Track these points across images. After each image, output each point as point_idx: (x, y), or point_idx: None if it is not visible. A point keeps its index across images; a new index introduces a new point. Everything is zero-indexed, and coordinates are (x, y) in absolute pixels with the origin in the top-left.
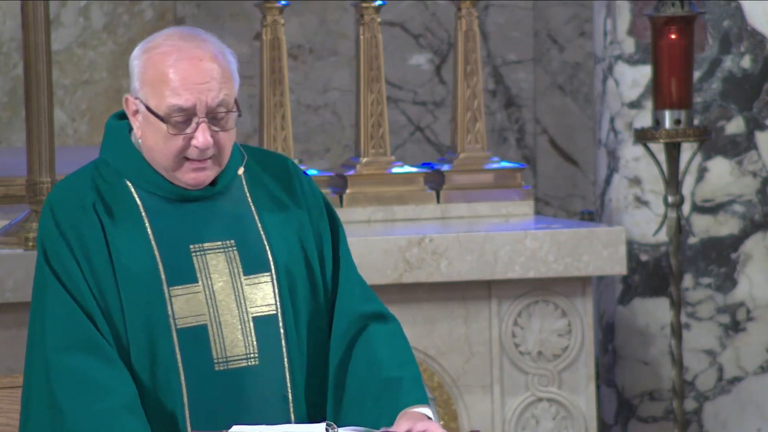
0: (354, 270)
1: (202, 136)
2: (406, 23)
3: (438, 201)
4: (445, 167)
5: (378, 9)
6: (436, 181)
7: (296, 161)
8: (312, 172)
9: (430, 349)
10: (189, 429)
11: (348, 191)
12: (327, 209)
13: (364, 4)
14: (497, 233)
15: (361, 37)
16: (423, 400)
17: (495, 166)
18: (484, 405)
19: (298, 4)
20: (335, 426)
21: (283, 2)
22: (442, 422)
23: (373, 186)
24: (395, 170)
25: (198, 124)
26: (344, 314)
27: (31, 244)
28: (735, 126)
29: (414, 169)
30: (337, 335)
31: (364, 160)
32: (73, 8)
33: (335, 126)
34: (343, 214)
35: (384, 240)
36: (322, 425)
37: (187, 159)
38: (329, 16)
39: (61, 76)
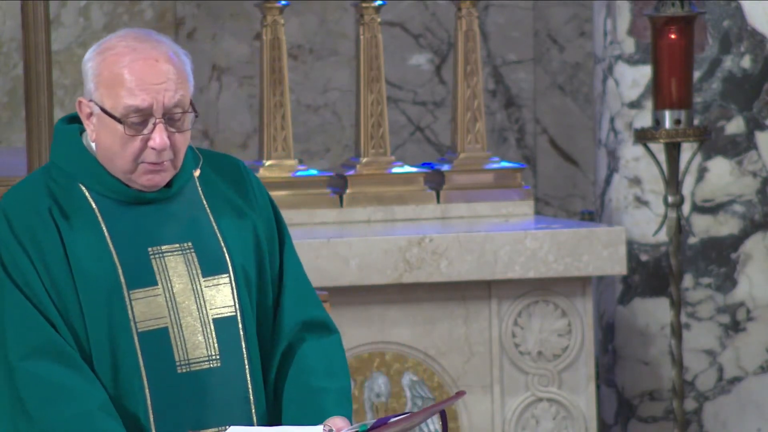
0: (300, 274)
1: (159, 137)
2: (406, 23)
3: (438, 201)
4: (445, 167)
5: (378, 9)
6: (436, 181)
7: (296, 161)
8: (312, 172)
9: (430, 349)
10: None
11: (348, 191)
12: (274, 212)
13: (364, 4)
14: (497, 233)
15: (361, 37)
16: (345, 414)
17: (495, 166)
18: (484, 405)
19: (298, 4)
20: (332, 428)
21: (283, 2)
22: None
23: (373, 186)
24: (395, 170)
25: (155, 124)
26: (286, 319)
27: None
28: (735, 126)
29: (414, 169)
30: (278, 340)
31: (364, 160)
32: (73, 8)
33: (335, 126)
34: (343, 214)
35: (384, 240)
36: (319, 427)
37: (143, 161)
38: (329, 16)
39: (61, 76)
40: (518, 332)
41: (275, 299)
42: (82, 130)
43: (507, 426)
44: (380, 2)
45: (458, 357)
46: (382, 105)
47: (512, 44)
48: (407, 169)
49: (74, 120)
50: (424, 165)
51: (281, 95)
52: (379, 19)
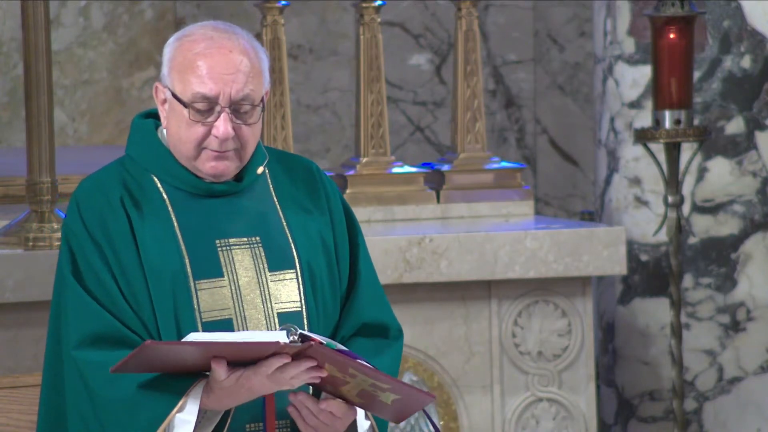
0: (371, 277)
1: (222, 126)
2: (406, 23)
3: (438, 201)
4: (445, 167)
5: (378, 9)
6: (436, 181)
7: None
8: None
9: (430, 349)
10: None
11: (348, 191)
12: (347, 215)
13: (364, 4)
14: (497, 233)
15: (361, 37)
16: None
17: (495, 166)
18: (484, 405)
19: (298, 4)
20: (297, 328)
21: (283, 2)
22: (442, 422)
23: (373, 186)
24: (395, 170)
25: (220, 113)
26: (347, 320)
27: (31, 244)
28: (735, 126)
29: (414, 169)
30: (335, 338)
31: (364, 160)
32: (73, 8)
33: (335, 126)
34: None
35: (384, 240)
36: (283, 333)
37: (205, 148)
38: (329, 16)
39: (61, 76)
40: (518, 332)
41: (343, 300)
42: (158, 125)
43: (507, 426)
44: (380, 2)
45: (458, 357)
46: (382, 105)
47: (512, 44)
48: (407, 169)
49: (150, 116)
50: (424, 165)
51: (281, 95)
52: (379, 19)
